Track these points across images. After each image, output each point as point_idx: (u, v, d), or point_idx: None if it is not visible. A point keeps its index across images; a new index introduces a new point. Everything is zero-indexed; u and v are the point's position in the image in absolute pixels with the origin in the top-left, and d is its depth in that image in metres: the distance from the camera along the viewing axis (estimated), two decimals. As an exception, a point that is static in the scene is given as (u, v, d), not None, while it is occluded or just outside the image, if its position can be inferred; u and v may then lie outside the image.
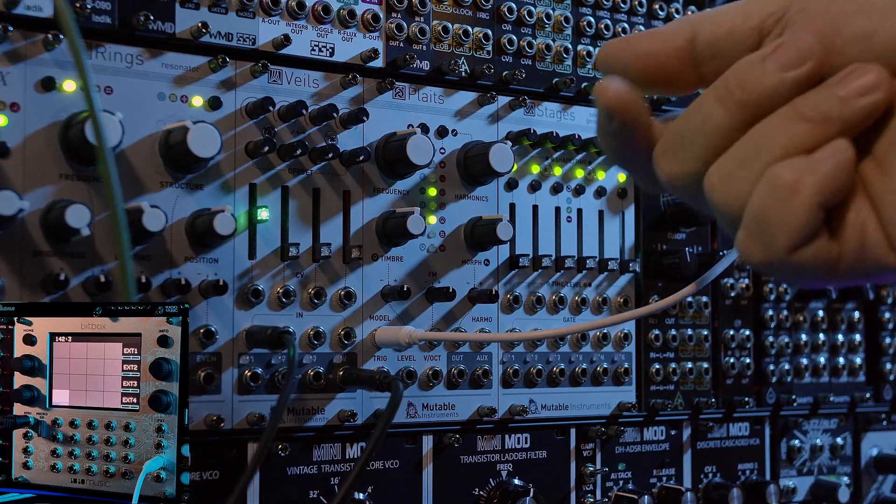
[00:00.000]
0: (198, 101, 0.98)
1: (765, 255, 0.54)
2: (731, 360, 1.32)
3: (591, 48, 1.21)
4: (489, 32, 1.13)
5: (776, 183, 0.52)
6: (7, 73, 0.90)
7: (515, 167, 1.15)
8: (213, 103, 0.99)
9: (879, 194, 0.54)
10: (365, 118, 1.04)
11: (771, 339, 1.35)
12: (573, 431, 1.21)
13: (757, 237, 0.54)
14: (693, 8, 1.30)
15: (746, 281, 1.34)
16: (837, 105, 0.53)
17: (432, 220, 1.10)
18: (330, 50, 1.05)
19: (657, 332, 1.25)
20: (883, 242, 0.53)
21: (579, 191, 1.20)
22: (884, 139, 0.54)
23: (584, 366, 1.19)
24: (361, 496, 1.06)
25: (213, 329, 0.97)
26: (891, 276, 0.54)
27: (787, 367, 1.36)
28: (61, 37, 0.90)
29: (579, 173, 1.20)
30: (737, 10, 0.58)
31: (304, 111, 1.01)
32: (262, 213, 1.01)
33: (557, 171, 1.19)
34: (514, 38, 1.15)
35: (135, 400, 0.87)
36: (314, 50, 1.04)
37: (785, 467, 1.39)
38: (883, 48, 0.53)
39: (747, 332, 1.33)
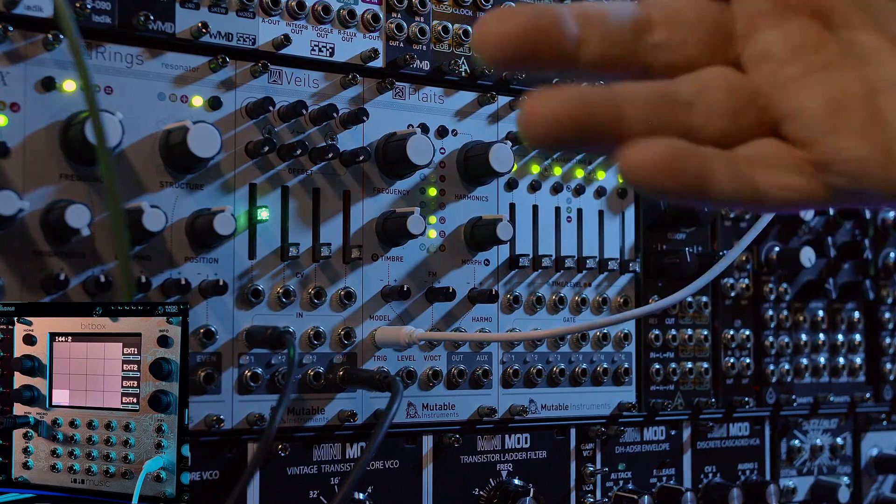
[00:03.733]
0: (198, 101, 0.98)
1: None
2: (731, 360, 1.32)
3: (591, 48, 1.20)
4: (489, 32, 1.13)
5: None
6: (7, 73, 0.90)
7: (515, 167, 1.15)
8: (213, 103, 0.99)
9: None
10: (365, 118, 1.04)
11: (771, 339, 1.35)
12: (573, 431, 1.21)
13: None
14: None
15: (746, 281, 1.33)
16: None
17: (432, 220, 1.10)
18: (330, 50, 1.05)
19: (657, 332, 1.25)
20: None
21: (579, 191, 1.20)
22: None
23: (584, 366, 1.19)
24: (361, 496, 1.06)
25: (213, 329, 0.97)
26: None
27: (787, 367, 1.36)
28: (61, 37, 0.90)
29: (579, 173, 1.20)
30: None
31: (304, 111, 1.01)
32: (262, 213, 1.01)
33: (557, 171, 1.19)
34: (514, 38, 1.15)
35: (135, 400, 0.87)
36: (314, 50, 1.04)
37: (785, 467, 1.39)
38: None
39: (747, 332, 1.33)
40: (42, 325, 0.89)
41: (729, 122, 0.52)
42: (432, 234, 1.10)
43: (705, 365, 1.29)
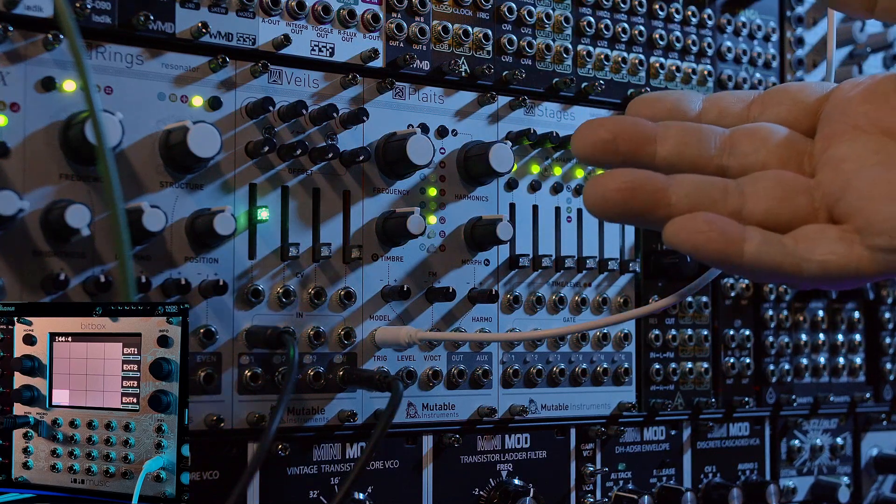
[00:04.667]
0: (198, 101, 0.98)
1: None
2: (731, 360, 1.32)
3: (590, 48, 1.21)
4: (489, 32, 1.13)
5: None
6: (7, 73, 0.90)
7: (515, 167, 1.15)
8: (213, 103, 0.99)
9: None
10: (365, 118, 1.04)
11: (771, 339, 1.35)
12: (573, 431, 1.21)
13: None
14: (693, 8, 1.30)
15: (746, 281, 1.33)
16: None
17: (432, 220, 1.10)
18: (330, 50, 1.05)
19: (657, 332, 1.25)
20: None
21: (579, 191, 1.20)
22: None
23: (584, 366, 1.19)
24: (361, 496, 1.06)
25: (213, 329, 0.97)
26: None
27: (787, 367, 1.36)
28: (61, 37, 0.90)
29: (579, 173, 1.20)
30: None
31: (304, 111, 1.01)
32: (262, 213, 1.01)
33: (557, 171, 1.19)
34: (514, 38, 1.15)
35: (135, 400, 0.87)
36: (314, 50, 1.04)
37: (785, 467, 1.39)
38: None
39: (747, 332, 1.33)
40: (42, 325, 0.89)
41: (776, 204, 0.60)
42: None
43: (705, 365, 1.29)
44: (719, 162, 0.63)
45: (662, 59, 1.27)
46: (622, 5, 1.23)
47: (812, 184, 0.61)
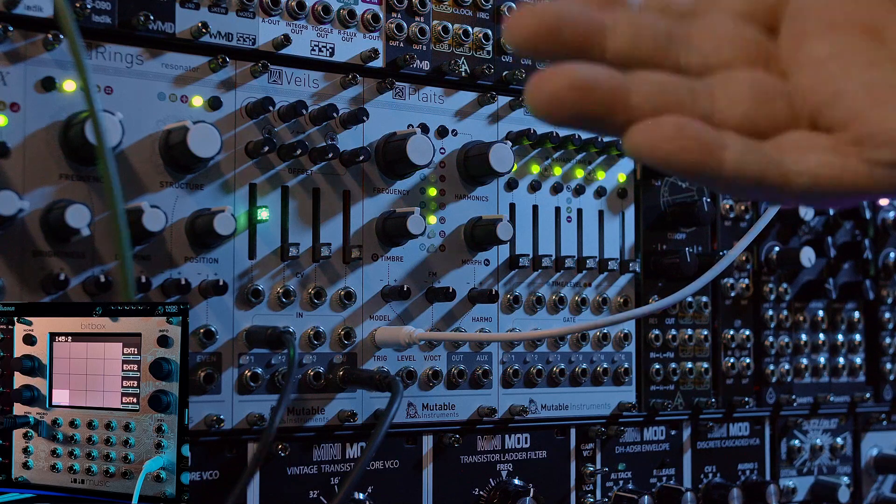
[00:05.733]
0: (198, 101, 0.98)
1: None
2: (731, 360, 1.32)
3: (591, 48, 1.20)
4: (489, 32, 1.13)
5: None
6: (7, 73, 0.90)
7: (515, 167, 1.15)
8: (213, 103, 0.99)
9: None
10: (365, 118, 1.04)
11: (771, 339, 1.35)
12: (573, 431, 1.21)
13: None
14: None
15: (746, 281, 1.33)
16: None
17: (432, 220, 1.10)
18: (330, 50, 1.05)
19: (657, 332, 1.25)
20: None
21: (579, 191, 1.20)
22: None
23: (584, 366, 1.19)
24: (361, 496, 1.06)
25: (213, 329, 0.97)
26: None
27: (787, 367, 1.36)
28: (61, 37, 0.90)
29: (579, 173, 1.20)
30: None
31: (304, 111, 1.01)
32: (262, 213, 1.01)
33: (557, 171, 1.19)
34: (514, 38, 1.15)
35: (135, 400, 0.87)
36: (314, 50, 1.04)
37: (785, 467, 1.39)
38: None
39: (747, 332, 1.33)
40: (42, 325, 0.89)
41: (753, 109, 0.51)
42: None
43: (705, 365, 1.29)
44: (676, 60, 0.53)
45: (662, 59, 1.27)
46: (622, 5, 1.23)
47: (789, 87, 0.53)
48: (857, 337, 1.44)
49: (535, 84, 0.49)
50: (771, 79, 0.53)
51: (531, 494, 1.13)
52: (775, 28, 0.56)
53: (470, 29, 1.12)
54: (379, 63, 1.07)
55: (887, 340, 1.47)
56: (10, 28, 0.89)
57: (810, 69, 0.53)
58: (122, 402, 0.88)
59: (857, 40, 0.53)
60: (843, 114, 0.51)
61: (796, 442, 1.39)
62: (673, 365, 1.26)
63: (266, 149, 0.99)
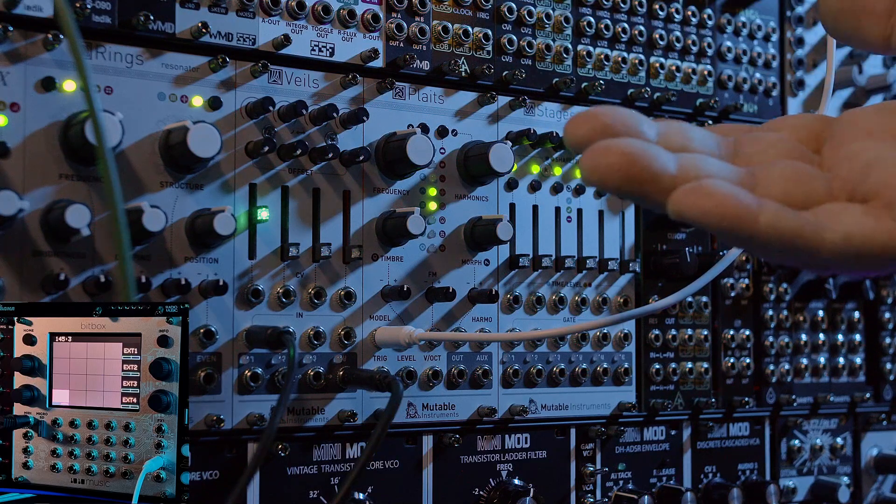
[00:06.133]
0: (198, 101, 0.98)
1: None
2: (731, 360, 1.32)
3: (590, 48, 1.21)
4: (489, 32, 1.13)
5: None
6: (7, 73, 0.90)
7: (515, 167, 1.15)
8: (213, 103, 0.99)
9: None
10: (365, 118, 1.04)
11: (771, 339, 1.35)
12: (573, 431, 1.21)
13: None
14: (693, 8, 1.30)
15: (746, 281, 1.34)
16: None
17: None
18: (330, 50, 1.05)
19: (657, 332, 1.25)
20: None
21: (579, 191, 1.20)
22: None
23: (584, 366, 1.19)
24: (361, 496, 1.06)
25: (213, 329, 0.97)
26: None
27: (787, 367, 1.36)
28: (61, 37, 0.90)
29: (579, 173, 1.20)
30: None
31: (304, 111, 1.01)
32: (262, 213, 1.01)
33: (557, 171, 1.19)
34: (514, 38, 1.15)
35: (135, 400, 0.87)
36: (314, 50, 1.04)
37: (785, 467, 1.39)
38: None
39: (747, 332, 1.33)
40: (42, 325, 0.89)
41: (792, 186, 0.56)
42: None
43: (705, 365, 1.29)
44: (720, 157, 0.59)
45: (662, 59, 1.27)
46: (622, 5, 1.23)
47: (829, 175, 0.58)
48: (857, 337, 1.44)
49: (589, 155, 0.54)
50: (811, 167, 0.58)
51: (531, 494, 1.13)
52: (819, 151, 0.62)
53: (470, 29, 1.12)
54: (379, 63, 1.07)
55: (887, 340, 1.47)
56: (10, 28, 0.89)
57: (848, 161, 0.58)
58: (122, 402, 0.88)
59: (891, 144, 0.58)
60: (876, 184, 0.55)
61: (796, 442, 1.39)
62: (673, 365, 1.26)
63: (266, 149, 0.99)
